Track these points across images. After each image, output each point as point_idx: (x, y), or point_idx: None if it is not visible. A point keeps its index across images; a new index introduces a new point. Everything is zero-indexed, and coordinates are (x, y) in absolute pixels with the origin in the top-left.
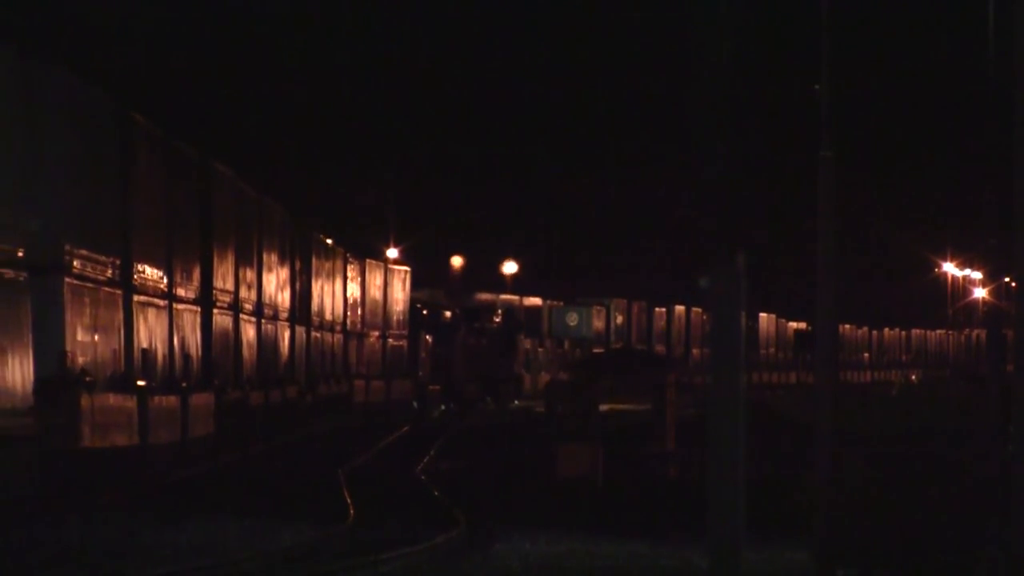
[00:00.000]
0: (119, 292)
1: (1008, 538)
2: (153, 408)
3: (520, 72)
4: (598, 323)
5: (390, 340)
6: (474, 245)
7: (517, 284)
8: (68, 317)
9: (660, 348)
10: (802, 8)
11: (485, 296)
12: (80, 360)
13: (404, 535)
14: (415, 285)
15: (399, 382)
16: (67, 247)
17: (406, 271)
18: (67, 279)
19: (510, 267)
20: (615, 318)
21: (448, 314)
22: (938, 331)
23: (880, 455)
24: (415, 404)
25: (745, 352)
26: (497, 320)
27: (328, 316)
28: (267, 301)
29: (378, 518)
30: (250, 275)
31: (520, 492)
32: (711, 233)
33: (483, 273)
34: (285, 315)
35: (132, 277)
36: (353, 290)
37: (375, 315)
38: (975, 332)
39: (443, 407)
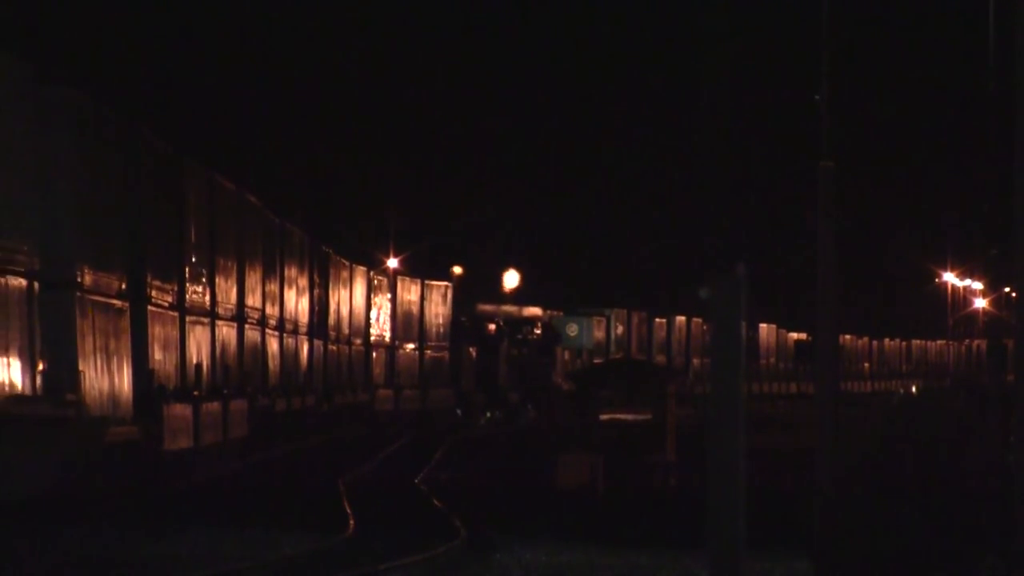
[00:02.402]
0: (176, 314)
1: (1009, 547)
2: (203, 414)
3: (520, 78)
4: (598, 333)
5: (429, 351)
6: (474, 254)
7: (517, 294)
8: (150, 338)
9: (660, 358)
10: (803, 19)
11: (487, 307)
12: (158, 375)
13: (404, 545)
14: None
15: (438, 391)
16: (148, 279)
17: (447, 286)
18: (149, 307)
19: (511, 277)
20: (615, 328)
21: (492, 327)
22: (938, 341)
23: (881, 465)
24: (459, 412)
25: (745, 362)
26: (537, 332)
27: (346, 330)
28: (288, 317)
29: (378, 528)
30: (274, 293)
31: (520, 502)
32: (712, 243)
33: (483, 283)
34: (304, 329)
35: (186, 300)
36: (382, 305)
37: (409, 328)
38: (976, 342)
39: (488, 414)
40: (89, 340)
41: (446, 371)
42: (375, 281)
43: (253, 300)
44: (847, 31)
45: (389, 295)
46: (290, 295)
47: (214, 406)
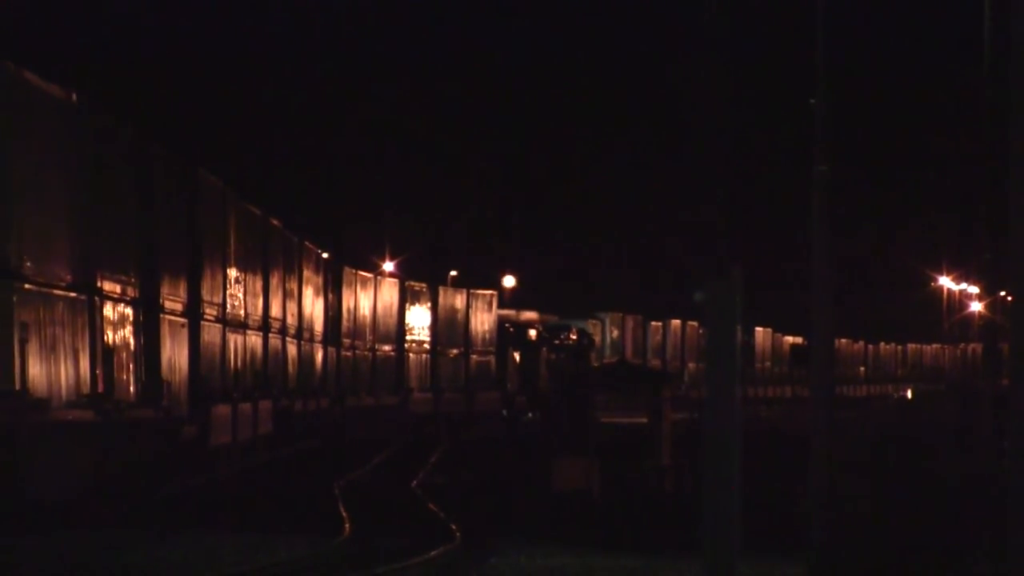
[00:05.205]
0: (220, 326)
1: (1003, 553)
2: (239, 413)
3: (515, 80)
4: (593, 337)
5: (475, 356)
6: (468, 258)
7: (513, 298)
8: (201, 347)
9: (656, 362)
10: (798, 22)
11: (528, 314)
12: (205, 379)
13: (400, 549)
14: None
15: (485, 394)
16: (201, 297)
17: (492, 295)
18: (202, 321)
19: (507, 281)
20: (610, 332)
21: (533, 333)
22: (934, 345)
23: (875, 470)
24: (504, 412)
25: (741, 366)
26: (573, 337)
27: (369, 337)
28: (305, 326)
29: (374, 531)
30: (292, 306)
31: (516, 506)
32: (708, 246)
33: (479, 287)
34: (319, 337)
35: (226, 314)
36: (420, 312)
37: (453, 334)
38: (971, 347)
39: (530, 415)
40: (167, 353)
41: (493, 375)
42: (414, 291)
43: (275, 311)
44: (842, 34)
45: (429, 303)
46: (307, 306)
47: (247, 406)
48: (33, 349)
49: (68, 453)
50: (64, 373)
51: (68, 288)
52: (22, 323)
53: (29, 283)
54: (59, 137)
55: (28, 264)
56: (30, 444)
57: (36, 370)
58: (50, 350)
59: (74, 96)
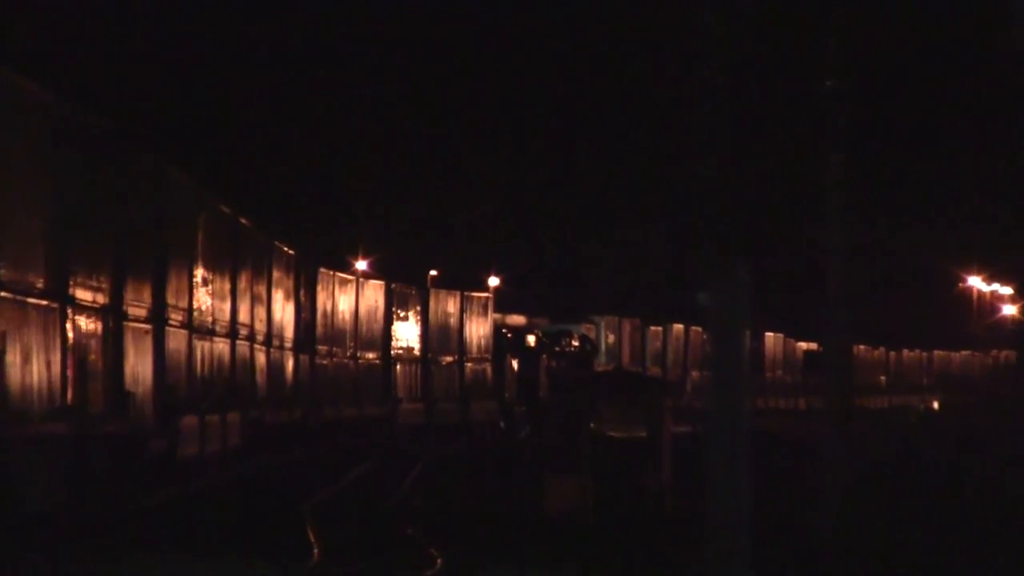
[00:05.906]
0: (185, 332)
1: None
2: (207, 424)
3: (503, 75)
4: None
5: (470, 364)
6: (452, 257)
7: (498, 299)
8: (167, 356)
9: (655, 370)
10: (813, 4)
11: (515, 318)
12: (172, 389)
13: (375, 574)
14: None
15: (481, 403)
16: (167, 301)
17: (488, 298)
18: (167, 327)
19: (492, 282)
20: (606, 337)
21: (531, 339)
22: (963, 352)
23: (893, 486)
24: (502, 424)
25: (749, 375)
26: (575, 344)
27: (350, 343)
28: (275, 332)
29: (346, 555)
30: (261, 311)
31: (506, 527)
32: (711, 243)
33: (463, 288)
34: (290, 345)
35: (193, 320)
36: (408, 317)
37: (446, 340)
38: (1003, 353)
39: (529, 427)
40: (131, 361)
41: (489, 384)
42: (401, 294)
43: (243, 316)
44: (858, 12)
45: (418, 307)
46: (276, 311)
47: (215, 417)
48: (10, 359)
49: (45, 467)
50: (38, 384)
51: (41, 295)
52: (0, 333)
53: (5, 291)
54: (39, 137)
55: (3, 271)
56: (14, 457)
57: (14, 381)
58: (25, 360)
59: (54, 96)
